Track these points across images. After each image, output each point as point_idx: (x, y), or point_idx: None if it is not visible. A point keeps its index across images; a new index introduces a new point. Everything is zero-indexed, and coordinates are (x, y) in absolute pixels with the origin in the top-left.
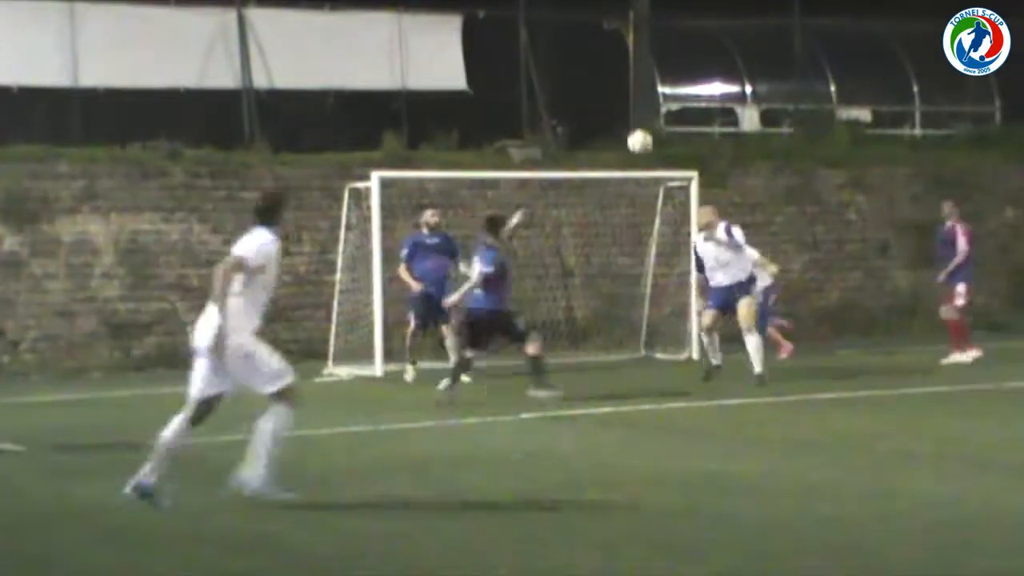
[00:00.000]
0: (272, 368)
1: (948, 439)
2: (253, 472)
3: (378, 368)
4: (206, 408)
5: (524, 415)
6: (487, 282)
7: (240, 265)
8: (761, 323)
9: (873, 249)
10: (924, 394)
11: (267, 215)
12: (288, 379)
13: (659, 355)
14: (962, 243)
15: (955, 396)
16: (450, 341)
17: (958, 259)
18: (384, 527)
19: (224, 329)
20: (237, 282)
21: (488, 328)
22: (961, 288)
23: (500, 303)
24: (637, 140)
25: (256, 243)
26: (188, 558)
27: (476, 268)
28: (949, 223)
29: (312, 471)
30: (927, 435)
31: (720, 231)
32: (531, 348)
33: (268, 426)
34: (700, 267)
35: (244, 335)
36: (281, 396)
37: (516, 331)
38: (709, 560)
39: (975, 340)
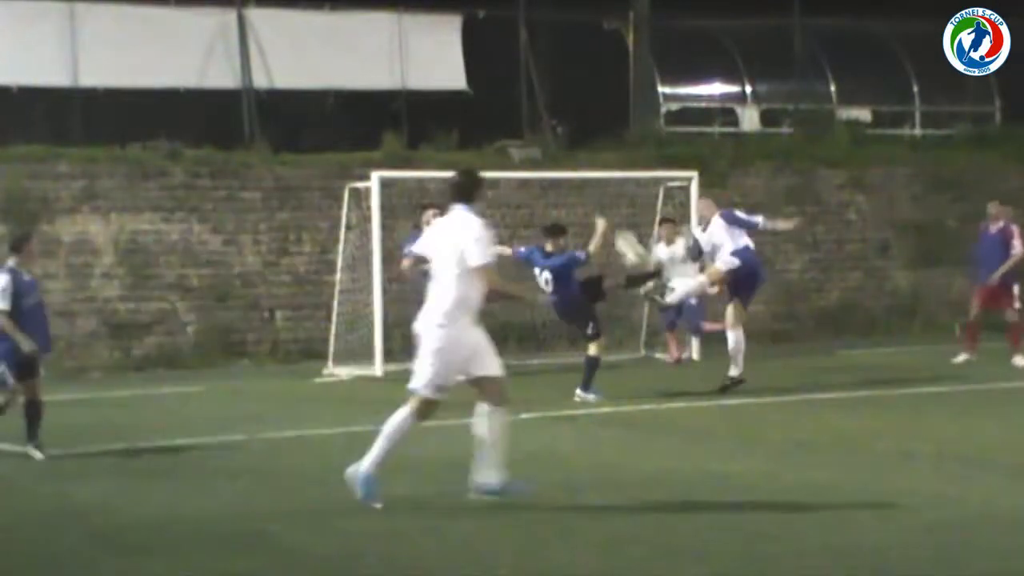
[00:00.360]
0: (439, 374)
1: (948, 439)
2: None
3: (378, 368)
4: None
5: (524, 415)
6: (555, 282)
7: (492, 272)
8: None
9: (873, 249)
10: (924, 394)
11: (465, 193)
12: (431, 395)
13: (659, 355)
14: (1018, 245)
15: (955, 396)
16: None
17: (1015, 260)
18: (384, 527)
19: (445, 317)
20: (454, 272)
21: (569, 316)
22: (1017, 289)
23: (573, 296)
24: (627, 245)
25: (481, 241)
26: (188, 558)
27: (538, 274)
28: (1002, 223)
29: (312, 471)
30: (927, 435)
31: (715, 221)
32: (592, 349)
33: (394, 422)
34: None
35: (456, 326)
36: (418, 402)
37: (586, 330)
38: (709, 560)
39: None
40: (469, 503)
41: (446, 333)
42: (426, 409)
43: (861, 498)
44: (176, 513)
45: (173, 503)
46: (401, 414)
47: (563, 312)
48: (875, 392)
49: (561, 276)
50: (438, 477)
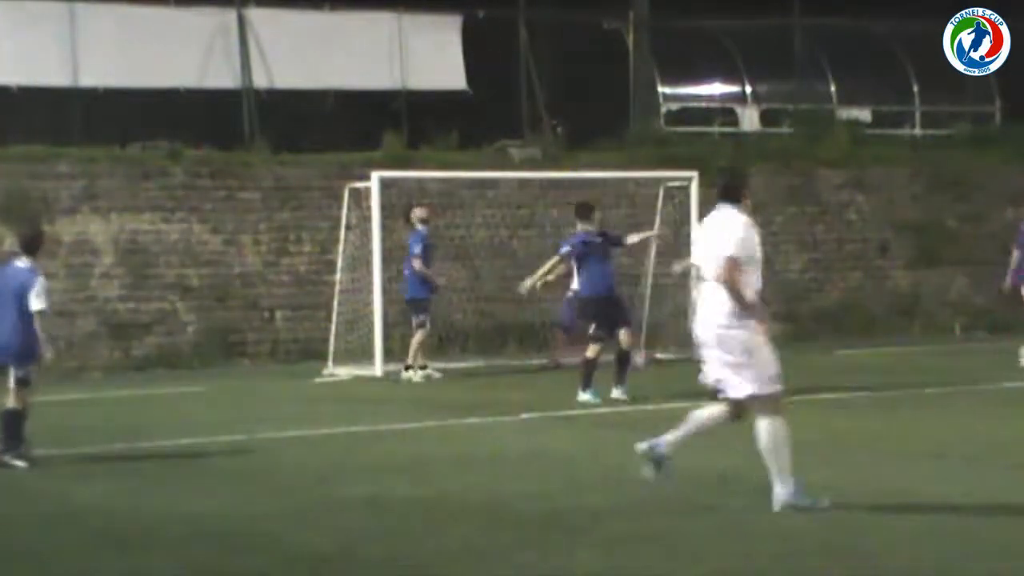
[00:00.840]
0: (766, 372)
1: (948, 439)
2: (781, 487)
3: (378, 368)
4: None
5: (524, 415)
6: (577, 266)
7: (735, 266)
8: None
9: (873, 249)
10: (924, 394)
11: (731, 192)
12: (776, 388)
13: (659, 355)
14: None
15: (955, 396)
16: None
17: None
18: (384, 527)
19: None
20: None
21: (574, 311)
22: None
23: (594, 284)
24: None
25: (735, 234)
26: (188, 558)
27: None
28: None
29: (312, 471)
30: (927, 435)
31: None
32: (589, 351)
33: (762, 441)
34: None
35: (750, 328)
36: (764, 403)
37: (587, 330)
38: (709, 560)
39: (977, 339)
40: (469, 503)
41: (740, 332)
42: (775, 404)
43: (861, 498)
44: (176, 513)
45: (173, 503)
46: (762, 429)
47: (578, 300)
48: (875, 392)
49: (583, 259)
50: (438, 477)
